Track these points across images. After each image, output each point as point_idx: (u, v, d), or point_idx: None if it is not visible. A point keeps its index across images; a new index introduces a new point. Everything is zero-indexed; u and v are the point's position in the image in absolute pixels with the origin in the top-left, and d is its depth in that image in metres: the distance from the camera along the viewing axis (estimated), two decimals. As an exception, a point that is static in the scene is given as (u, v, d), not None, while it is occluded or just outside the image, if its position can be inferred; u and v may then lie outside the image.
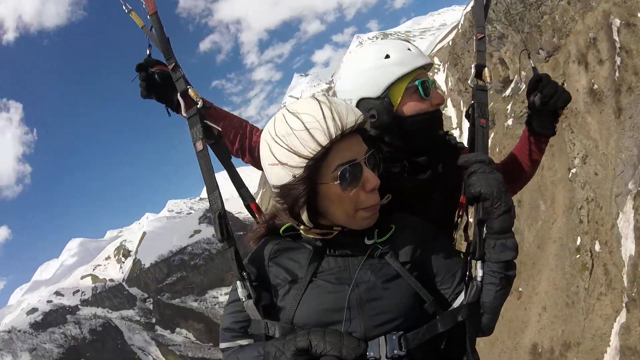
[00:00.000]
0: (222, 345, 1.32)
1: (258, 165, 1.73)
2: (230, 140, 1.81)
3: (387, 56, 1.52)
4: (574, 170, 19.31)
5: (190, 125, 1.53)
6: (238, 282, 1.24)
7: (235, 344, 1.30)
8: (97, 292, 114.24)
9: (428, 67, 1.60)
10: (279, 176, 1.15)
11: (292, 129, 1.11)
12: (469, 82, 1.60)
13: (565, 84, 19.54)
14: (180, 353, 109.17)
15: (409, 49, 1.55)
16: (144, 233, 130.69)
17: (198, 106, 1.56)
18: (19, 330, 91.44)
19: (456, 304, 1.22)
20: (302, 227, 1.23)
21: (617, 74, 17.33)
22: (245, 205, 1.61)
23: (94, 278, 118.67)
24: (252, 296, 1.23)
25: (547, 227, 21.47)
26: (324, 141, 1.08)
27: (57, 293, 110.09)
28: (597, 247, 17.56)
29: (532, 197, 22.73)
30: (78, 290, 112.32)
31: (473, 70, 1.59)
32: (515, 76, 26.05)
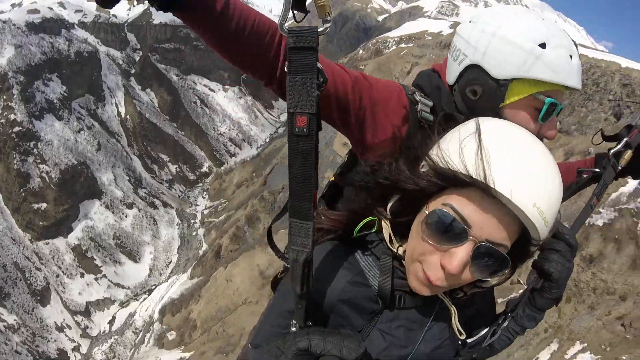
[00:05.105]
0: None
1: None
2: (256, 56, 1.15)
3: (544, 45, 1.18)
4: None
5: (292, 67, 0.79)
6: (294, 322, 1.00)
7: None
8: (98, 20, 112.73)
9: (573, 90, 1.26)
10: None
11: (465, 139, 0.88)
12: (611, 152, 1.56)
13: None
14: (139, 110, 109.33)
15: (571, 56, 1.20)
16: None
17: (330, 19, 0.83)
18: (14, 24, 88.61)
19: (470, 340, 1.26)
20: (384, 231, 1.03)
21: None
22: None
23: (100, 7, 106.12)
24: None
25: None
26: (472, 173, 0.84)
27: (60, 4, 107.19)
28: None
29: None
30: (81, 11, 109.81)
31: (622, 145, 1.57)
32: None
